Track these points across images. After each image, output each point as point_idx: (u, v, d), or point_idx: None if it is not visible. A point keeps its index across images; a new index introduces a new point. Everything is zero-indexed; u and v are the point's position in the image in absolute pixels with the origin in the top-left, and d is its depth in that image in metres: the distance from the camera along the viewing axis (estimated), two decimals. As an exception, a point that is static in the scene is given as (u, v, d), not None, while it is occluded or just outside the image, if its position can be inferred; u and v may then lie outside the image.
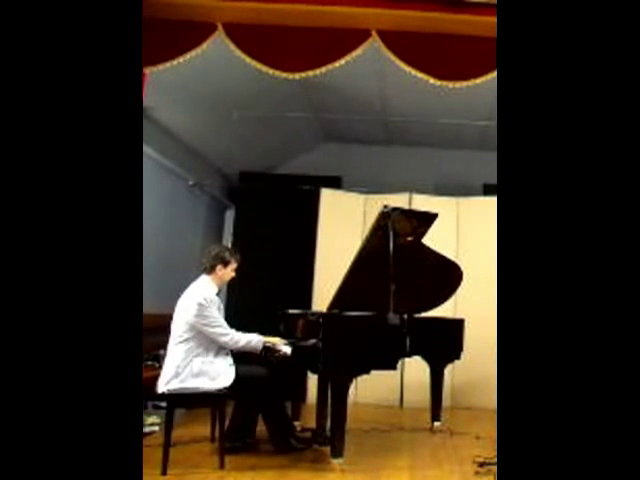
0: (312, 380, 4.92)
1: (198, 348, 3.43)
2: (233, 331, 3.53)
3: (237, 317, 4.24)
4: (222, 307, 3.66)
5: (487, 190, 6.59)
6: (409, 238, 4.22)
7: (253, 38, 3.72)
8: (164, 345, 3.57)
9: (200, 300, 3.43)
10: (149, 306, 3.71)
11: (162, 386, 3.39)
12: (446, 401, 5.18)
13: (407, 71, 3.74)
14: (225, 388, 3.44)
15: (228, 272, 3.67)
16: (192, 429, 4.31)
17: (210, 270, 3.62)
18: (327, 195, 6.18)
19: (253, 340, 3.57)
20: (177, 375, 3.37)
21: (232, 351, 3.59)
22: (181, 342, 3.43)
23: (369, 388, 5.36)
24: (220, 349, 3.52)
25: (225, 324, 3.53)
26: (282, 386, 3.77)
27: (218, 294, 3.67)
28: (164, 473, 3.19)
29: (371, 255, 4.06)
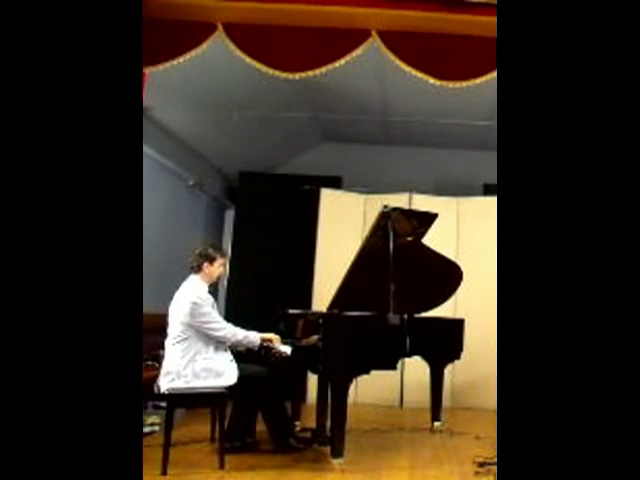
0: (312, 380, 4.92)
1: (196, 346, 3.44)
2: (230, 325, 3.55)
3: (237, 317, 4.23)
4: (216, 305, 3.66)
5: (487, 190, 6.59)
6: (409, 238, 4.22)
7: (253, 38, 3.72)
8: (164, 345, 3.57)
9: (194, 299, 3.45)
10: (149, 306, 3.71)
11: (165, 384, 3.39)
12: (446, 401, 5.17)
13: (407, 71, 3.73)
14: (228, 387, 3.45)
15: (215, 268, 3.67)
16: (192, 429, 4.31)
17: (197, 269, 3.63)
18: (327, 195, 6.18)
19: (250, 335, 3.59)
20: (179, 376, 3.38)
21: (232, 349, 3.61)
22: (178, 342, 3.45)
23: (369, 388, 5.36)
24: (218, 345, 3.52)
25: (221, 319, 3.55)
26: (282, 386, 3.77)
27: (210, 291, 3.68)
28: (164, 473, 3.20)
29: (371, 255, 4.06)
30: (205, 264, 3.62)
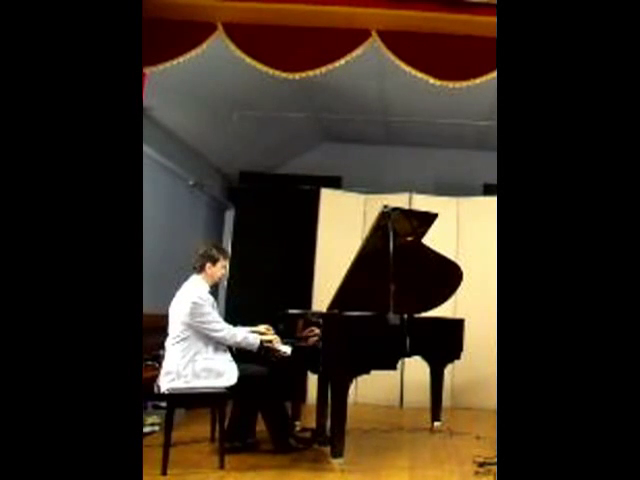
0: (312, 380, 4.92)
1: (196, 346, 3.44)
2: (229, 326, 3.55)
3: (237, 317, 4.23)
4: (216, 305, 3.66)
5: (487, 190, 6.59)
6: (409, 238, 4.22)
7: (253, 38, 3.72)
8: (164, 345, 3.58)
9: (194, 299, 3.45)
10: (149, 306, 3.71)
11: (165, 384, 3.39)
12: (446, 401, 5.18)
13: (407, 71, 3.73)
14: (228, 387, 3.45)
15: (218, 269, 3.67)
16: (192, 429, 4.31)
17: (200, 269, 3.64)
18: (327, 195, 6.19)
19: (249, 337, 3.58)
20: (179, 376, 3.38)
21: (232, 349, 3.61)
22: (178, 342, 3.45)
23: (369, 388, 5.36)
24: (218, 345, 3.52)
25: (220, 319, 3.55)
26: (282, 386, 3.77)
27: (210, 292, 3.67)
28: (164, 473, 3.20)
29: (371, 255, 4.06)
30: (208, 265, 3.63)
